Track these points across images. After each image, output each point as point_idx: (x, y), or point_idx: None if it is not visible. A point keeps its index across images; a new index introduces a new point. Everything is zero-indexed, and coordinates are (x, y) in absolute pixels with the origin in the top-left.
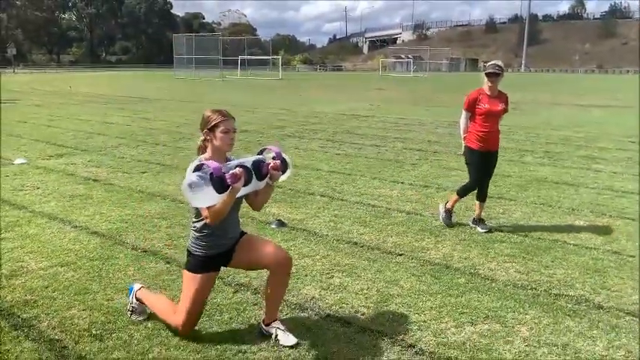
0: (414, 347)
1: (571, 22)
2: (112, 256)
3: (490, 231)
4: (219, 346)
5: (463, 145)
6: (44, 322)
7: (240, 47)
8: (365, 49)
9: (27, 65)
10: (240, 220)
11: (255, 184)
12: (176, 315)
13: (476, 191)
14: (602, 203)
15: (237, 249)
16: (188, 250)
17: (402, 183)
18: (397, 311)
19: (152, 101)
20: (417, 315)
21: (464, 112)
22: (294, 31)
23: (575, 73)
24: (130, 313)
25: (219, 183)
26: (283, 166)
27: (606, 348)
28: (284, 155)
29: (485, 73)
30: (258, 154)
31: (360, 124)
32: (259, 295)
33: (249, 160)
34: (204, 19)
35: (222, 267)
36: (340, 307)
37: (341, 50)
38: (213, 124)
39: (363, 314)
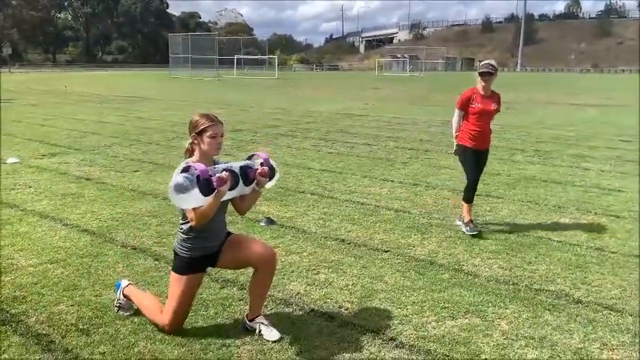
0: (394, 340)
1: (567, 21)
2: (102, 254)
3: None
4: (203, 340)
5: (455, 143)
6: (32, 317)
7: (237, 47)
8: (361, 49)
9: (23, 65)
10: (229, 218)
11: (242, 189)
12: (163, 314)
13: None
14: (588, 201)
15: (223, 250)
16: (174, 251)
17: (392, 181)
18: (380, 306)
19: (147, 100)
20: (399, 309)
21: (456, 111)
22: (291, 31)
23: (570, 72)
24: (117, 308)
25: (206, 185)
26: (271, 173)
27: (582, 341)
28: (272, 162)
29: (479, 73)
30: (247, 159)
31: (354, 123)
32: (245, 291)
33: (236, 164)
34: (200, 18)
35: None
36: (325, 302)
37: (337, 50)
38: (201, 128)
39: (346, 309)
